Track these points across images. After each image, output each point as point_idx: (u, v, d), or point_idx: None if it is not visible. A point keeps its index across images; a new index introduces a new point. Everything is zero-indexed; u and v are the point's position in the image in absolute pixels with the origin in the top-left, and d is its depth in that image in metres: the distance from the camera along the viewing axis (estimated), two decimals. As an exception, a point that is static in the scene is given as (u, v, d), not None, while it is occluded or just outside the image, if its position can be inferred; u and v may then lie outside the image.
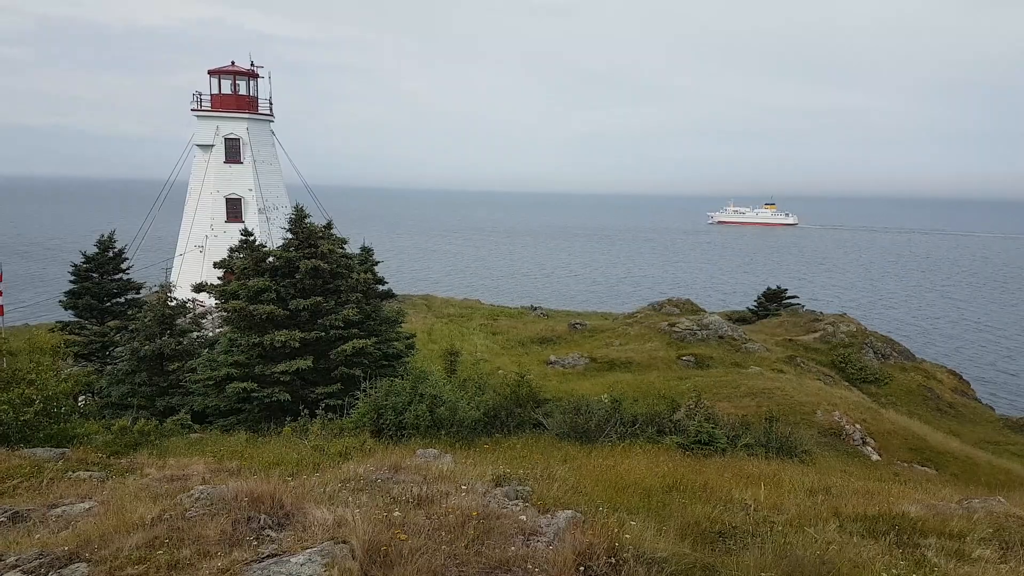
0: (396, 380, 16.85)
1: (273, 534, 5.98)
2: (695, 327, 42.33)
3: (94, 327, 29.36)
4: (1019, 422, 38.18)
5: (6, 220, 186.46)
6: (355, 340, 21.17)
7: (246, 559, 5.40)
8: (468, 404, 16.21)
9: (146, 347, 22.68)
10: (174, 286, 26.33)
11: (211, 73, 39.51)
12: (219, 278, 24.46)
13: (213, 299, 23.67)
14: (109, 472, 10.40)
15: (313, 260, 21.40)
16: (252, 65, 40.18)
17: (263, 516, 6.20)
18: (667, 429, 17.28)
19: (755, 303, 58.01)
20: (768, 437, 17.52)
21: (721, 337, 41.34)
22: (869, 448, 24.34)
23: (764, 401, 27.03)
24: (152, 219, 36.42)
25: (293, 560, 5.29)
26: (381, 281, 26.37)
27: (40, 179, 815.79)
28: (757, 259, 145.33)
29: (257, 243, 23.29)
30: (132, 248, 33.38)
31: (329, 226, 23.75)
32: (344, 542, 5.55)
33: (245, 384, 20.04)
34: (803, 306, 57.45)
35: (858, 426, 25.43)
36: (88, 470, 10.31)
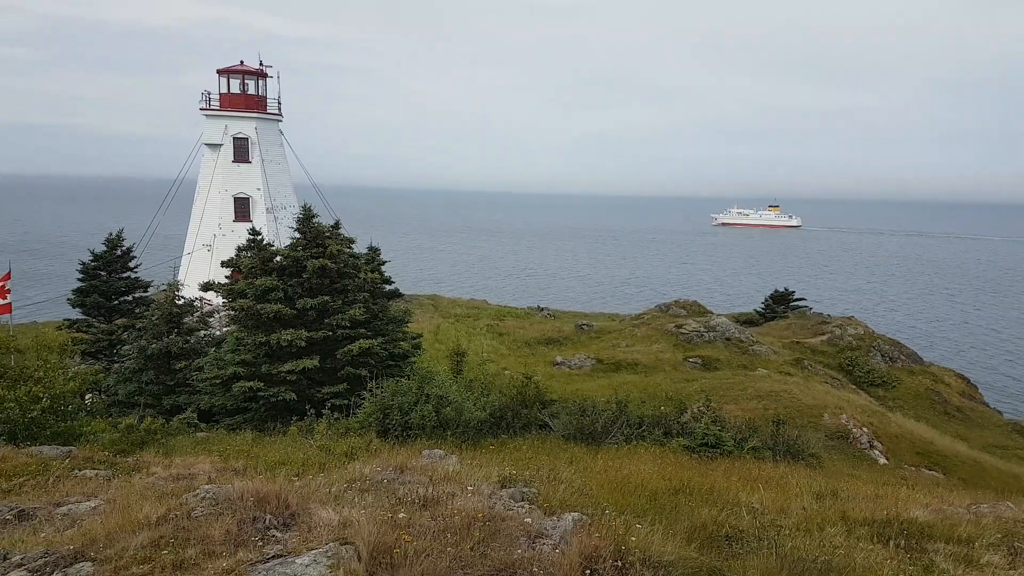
0: (402, 380, 16.83)
1: (278, 534, 5.97)
2: (702, 329, 42.26)
3: (102, 325, 29.46)
4: (1028, 426, 37.96)
5: (14, 218, 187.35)
6: (362, 340, 21.18)
7: (251, 559, 5.39)
8: (474, 405, 16.18)
9: (153, 345, 22.73)
10: (182, 285, 26.36)
11: (220, 72, 39.58)
12: (227, 277, 24.50)
13: (220, 298, 23.71)
14: (115, 471, 10.42)
15: (320, 259, 21.42)
16: (261, 65, 40.25)
17: (268, 516, 6.20)
18: (674, 431, 17.22)
19: (762, 305, 57.87)
20: (775, 440, 17.46)
21: (728, 339, 41.26)
22: (876, 452, 24.24)
23: (771, 404, 26.95)
24: (160, 218, 36.52)
25: (298, 561, 5.28)
26: (388, 281, 26.38)
27: (49, 178, 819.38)
28: (762, 261, 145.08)
29: (265, 242, 23.34)
30: (140, 246, 33.48)
31: (336, 226, 23.78)
32: (349, 543, 5.54)
33: (252, 383, 20.06)
34: (810, 308, 57.30)
35: (865, 429, 25.33)
36: (94, 468, 10.33)
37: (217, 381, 20.83)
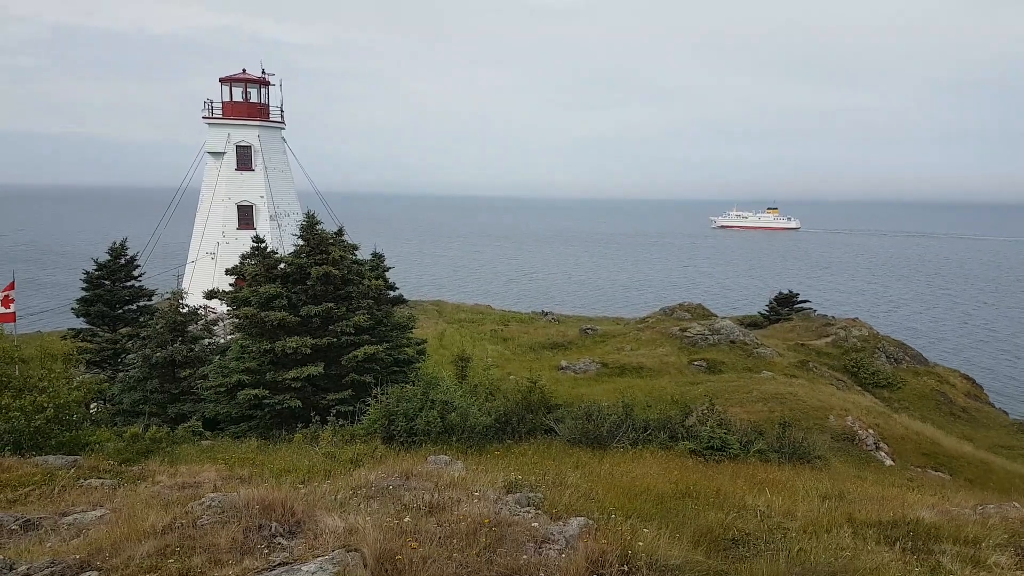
0: (407, 386, 16.83)
1: (284, 542, 5.97)
2: (707, 332, 42.20)
3: (106, 334, 29.49)
4: (1034, 426, 37.82)
5: (18, 227, 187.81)
6: (366, 346, 21.19)
7: (257, 567, 5.39)
8: (479, 410, 16.17)
9: (158, 354, 22.77)
10: (186, 293, 26.42)
11: (222, 81, 39.68)
12: (231, 285, 24.54)
13: (225, 306, 23.74)
14: (121, 480, 10.43)
15: (324, 266, 21.45)
16: (263, 72, 40.34)
17: (274, 524, 6.20)
18: (679, 435, 17.17)
19: (767, 307, 57.72)
20: (781, 442, 17.40)
21: (733, 342, 41.20)
22: (882, 453, 24.18)
23: (776, 406, 26.89)
24: (164, 226, 36.60)
25: (304, 568, 5.27)
26: (392, 287, 26.38)
27: (55, 188, 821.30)
28: (762, 263, 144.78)
29: (268, 250, 23.37)
30: (144, 255, 33.53)
31: (340, 232, 23.80)
32: (355, 550, 5.54)
33: (256, 391, 20.07)
34: (815, 310, 57.14)
35: (871, 431, 25.27)
36: (100, 478, 10.34)
37: (222, 389, 20.85)
